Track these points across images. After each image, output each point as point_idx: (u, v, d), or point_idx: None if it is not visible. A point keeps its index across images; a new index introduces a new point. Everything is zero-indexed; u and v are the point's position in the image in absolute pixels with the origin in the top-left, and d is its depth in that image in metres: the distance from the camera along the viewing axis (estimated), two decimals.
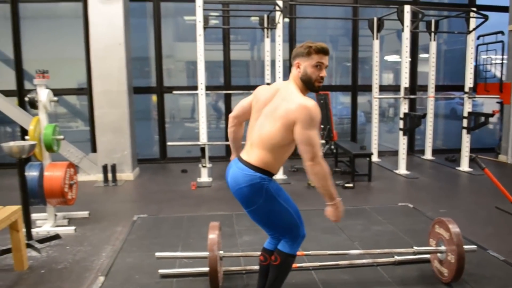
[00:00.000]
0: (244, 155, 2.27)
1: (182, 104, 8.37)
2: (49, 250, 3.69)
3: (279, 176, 6.23)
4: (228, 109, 7.85)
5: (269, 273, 2.42)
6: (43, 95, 4.10)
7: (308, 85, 2.18)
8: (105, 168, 6.15)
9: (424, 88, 8.10)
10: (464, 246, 2.84)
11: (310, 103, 2.08)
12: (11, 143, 3.54)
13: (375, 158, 7.54)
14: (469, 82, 6.82)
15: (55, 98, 4.25)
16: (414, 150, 8.45)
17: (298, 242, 2.36)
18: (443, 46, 9.05)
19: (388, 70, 9.10)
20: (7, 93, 6.42)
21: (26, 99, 4.15)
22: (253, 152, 2.21)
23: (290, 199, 2.32)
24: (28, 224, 3.63)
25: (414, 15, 6.73)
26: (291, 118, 2.08)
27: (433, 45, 7.67)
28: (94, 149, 6.92)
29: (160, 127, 7.73)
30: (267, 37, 6.88)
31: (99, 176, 6.25)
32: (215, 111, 8.31)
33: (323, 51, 2.15)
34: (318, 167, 2.08)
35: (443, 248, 2.96)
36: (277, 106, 2.16)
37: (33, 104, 4.11)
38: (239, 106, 2.46)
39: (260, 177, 2.17)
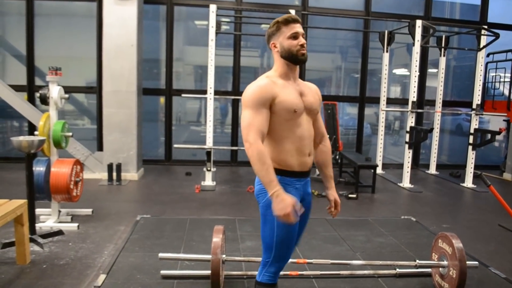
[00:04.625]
0: None
1: (189, 108, 8.41)
2: (51, 245, 3.71)
3: None
4: (236, 114, 7.89)
5: None
6: (55, 91, 4.13)
7: (292, 59, 2.02)
8: (110, 167, 6.18)
9: (432, 103, 8.11)
10: (466, 262, 2.84)
11: (253, 83, 2.00)
12: (21, 138, 3.58)
13: (379, 170, 7.53)
14: (477, 99, 6.83)
15: (66, 95, 4.30)
16: (418, 164, 8.44)
17: (267, 269, 2.10)
18: (452, 62, 9.07)
19: (396, 83, 9.12)
20: (17, 88, 6.49)
21: (37, 94, 4.18)
22: None
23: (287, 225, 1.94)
24: (32, 218, 3.65)
25: (425, 30, 6.75)
26: None
27: (442, 61, 7.68)
28: (100, 148, 6.96)
29: (167, 129, 7.77)
30: None
31: (104, 175, 6.28)
32: (223, 115, 8.35)
33: (292, 20, 2.02)
34: (249, 150, 1.88)
35: (445, 262, 2.96)
36: None
37: (44, 100, 4.15)
38: None
39: None
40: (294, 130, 2.00)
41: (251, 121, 1.91)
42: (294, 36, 2.00)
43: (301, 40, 2.01)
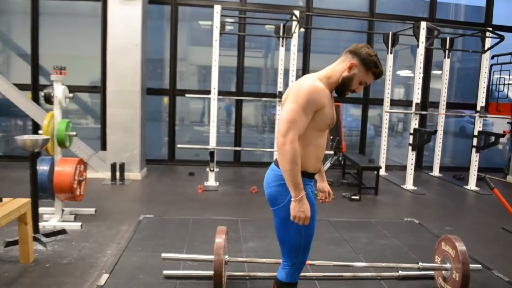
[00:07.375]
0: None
1: (192, 108, 8.42)
2: (54, 244, 3.72)
3: None
4: (239, 115, 7.89)
5: None
6: (59, 91, 4.15)
7: (341, 87, 2.02)
8: (113, 166, 6.19)
9: (435, 105, 8.08)
10: (470, 265, 2.83)
11: (309, 82, 1.94)
12: (25, 137, 3.59)
13: (382, 172, 7.52)
14: (481, 101, 6.80)
15: (71, 95, 4.30)
16: (422, 166, 8.41)
17: (295, 268, 2.15)
18: (456, 63, 9.04)
19: (400, 85, 9.09)
20: (22, 87, 6.52)
21: (42, 94, 4.20)
22: None
23: (312, 219, 2.05)
24: (36, 217, 3.66)
25: (429, 31, 6.74)
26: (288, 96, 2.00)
27: (446, 63, 7.65)
28: (103, 147, 6.97)
29: (170, 129, 7.77)
30: (282, 46, 6.93)
31: (107, 174, 6.29)
32: (227, 115, 8.35)
33: (378, 77, 2.04)
34: (288, 146, 1.86)
35: (448, 265, 2.95)
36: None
37: (49, 99, 4.16)
38: None
39: None
40: (319, 139, 2.06)
41: (297, 119, 1.89)
42: (363, 84, 2.05)
43: (359, 89, 2.06)
